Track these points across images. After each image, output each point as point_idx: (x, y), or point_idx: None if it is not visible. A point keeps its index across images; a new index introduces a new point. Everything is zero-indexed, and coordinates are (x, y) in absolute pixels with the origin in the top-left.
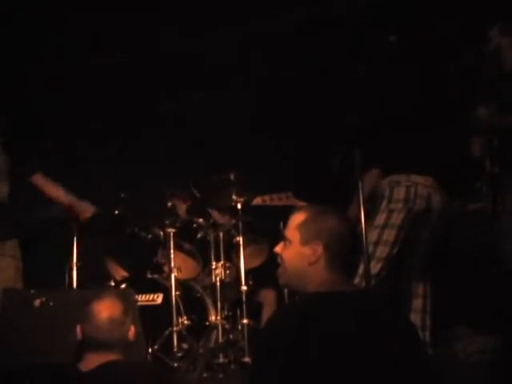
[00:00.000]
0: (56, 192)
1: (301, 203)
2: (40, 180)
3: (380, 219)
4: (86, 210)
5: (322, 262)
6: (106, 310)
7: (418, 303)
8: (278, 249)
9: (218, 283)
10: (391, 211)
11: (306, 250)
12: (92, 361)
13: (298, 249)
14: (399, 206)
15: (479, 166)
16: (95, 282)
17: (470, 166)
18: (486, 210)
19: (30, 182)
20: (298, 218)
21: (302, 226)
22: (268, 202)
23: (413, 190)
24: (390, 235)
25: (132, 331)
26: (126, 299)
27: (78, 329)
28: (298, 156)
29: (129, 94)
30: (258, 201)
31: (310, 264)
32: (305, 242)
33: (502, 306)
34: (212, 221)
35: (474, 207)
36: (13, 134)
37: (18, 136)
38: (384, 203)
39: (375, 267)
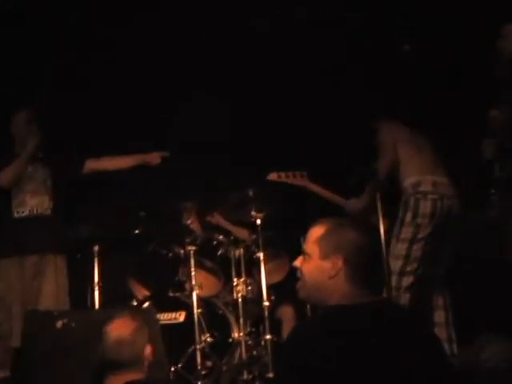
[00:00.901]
0: (118, 161)
1: (314, 186)
2: (94, 163)
3: (407, 233)
4: (155, 157)
5: (343, 276)
6: (114, 330)
7: (440, 316)
8: (297, 263)
9: (240, 299)
10: (418, 226)
11: (326, 264)
12: (111, 382)
13: (317, 263)
14: (425, 221)
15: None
16: (118, 302)
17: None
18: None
19: (86, 173)
20: (317, 232)
21: (321, 240)
22: (283, 179)
23: (439, 204)
24: (418, 250)
25: (148, 350)
26: (145, 318)
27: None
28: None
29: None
30: (273, 176)
31: (331, 278)
32: (325, 255)
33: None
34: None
35: (491, 216)
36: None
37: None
38: (409, 216)
39: (407, 281)
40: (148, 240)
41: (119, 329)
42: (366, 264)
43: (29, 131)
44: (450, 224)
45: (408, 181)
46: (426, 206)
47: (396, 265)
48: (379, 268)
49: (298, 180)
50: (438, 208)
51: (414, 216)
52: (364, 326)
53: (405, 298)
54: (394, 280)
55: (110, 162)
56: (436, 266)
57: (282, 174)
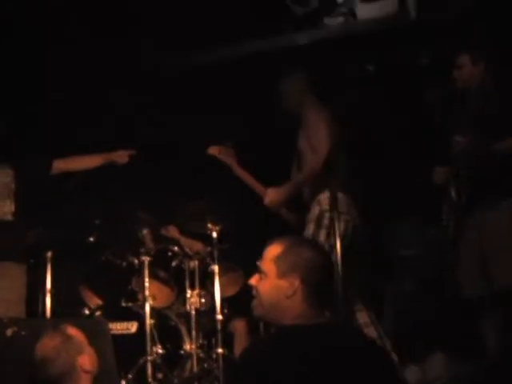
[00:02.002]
0: (85, 161)
1: (238, 169)
2: (62, 163)
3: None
4: (122, 156)
5: (300, 295)
6: (39, 348)
7: (363, 317)
8: (253, 281)
9: (193, 312)
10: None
11: (283, 283)
12: None
13: (274, 282)
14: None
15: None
16: (69, 309)
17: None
18: (446, 234)
19: (54, 172)
20: (273, 251)
21: (278, 259)
22: (221, 155)
23: (351, 225)
24: None
25: (83, 360)
26: (95, 328)
27: None
28: None
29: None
30: (214, 150)
31: (287, 297)
32: (281, 274)
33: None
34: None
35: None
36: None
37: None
38: (323, 233)
39: None
40: (102, 248)
41: (43, 346)
42: (323, 284)
43: None
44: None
45: (325, 194)
46: (339, 226)
47: None
48: (333, 288)
49: (228, 158)
50: (349, 229)
51: (328, 235)
52: (320, 347)
53: None
54: None
55: (77, 162)
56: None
57: (221, 149)
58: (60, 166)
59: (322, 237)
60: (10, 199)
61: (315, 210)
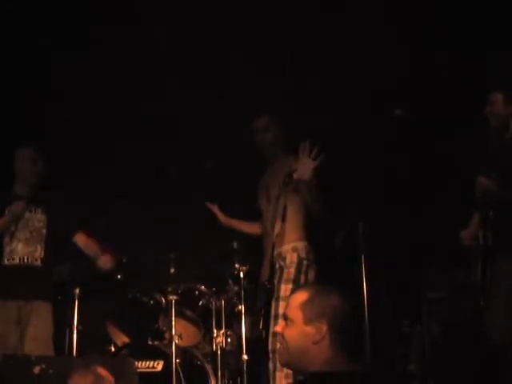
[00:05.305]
0: (91, 250)
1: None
2: (81, 239)
3: (286, 290)
4: (107, 260)
5: (327, 341)
6: None
7: None
8: (279, 328)
9: (219, 351)
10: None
11: (310, 330)
12: None
13: (301, 328)
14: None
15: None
16: (96, 346)
17: None
18: (474, 278)
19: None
20: (299, 298)
21: (304, 306)
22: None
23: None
24: None
25: None
26: (122, 367)
27: None
28: None
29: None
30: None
31: (314, 343)
32: (308, 321)
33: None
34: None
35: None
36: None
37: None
38: (303, 278)
39: None
40: (130, 286)
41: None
42: (350, 329)
43: (33, 171)
44: None
45: (304, 243)
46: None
47: (273, 325)
48: (361, 334)
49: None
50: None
51: (305, 281)
52: None
53: (273, 361)
54: (269, 342)
55: (89, 247)
56: None
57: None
58: (78, 239)
59: (302, 281)
60: (41, 245)
61: (292, 257)
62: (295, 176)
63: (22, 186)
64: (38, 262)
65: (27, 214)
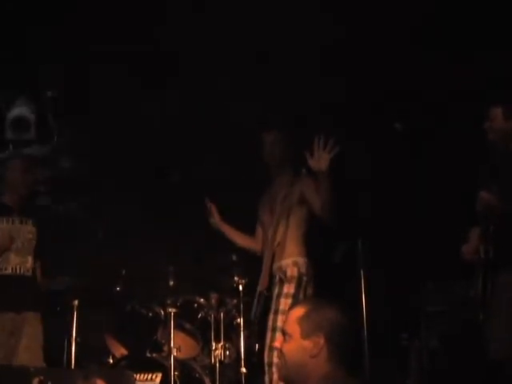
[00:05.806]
0: None
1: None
2: None
3: (286, 305)
4: None
5: (325, 355)
6: None
7: None
8: (277, 343)
9: (218, 364)
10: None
11: (308, 344)
12: None
13: (299, 342)
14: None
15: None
16: (94, 358)
17: None
18: (474, 292)
19: None
20: (297, 312)
21: (301, 320)
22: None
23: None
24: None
25: None
26: (121, 379)
27: None
28: None
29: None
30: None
31: (312, 357)
32: (306, 335)
33: None
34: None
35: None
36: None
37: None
38: (302, 292)
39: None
40: (129, 298)
41: None
42: (348, 343)
43: (23, 181)
44: None
45: (304, 259)
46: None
47: (270, 337)
48: (359, 347)
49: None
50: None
51: (304, 297)
52: None
53: (269, 375)
54: (265, 355)
55: None
56: None
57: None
58: None
59: (301, 296)
60: (31, 255)
61: (293, 271)
62: (313, 167)
63: (11, 196)
64: (30, 273)
65: (18, 225)
